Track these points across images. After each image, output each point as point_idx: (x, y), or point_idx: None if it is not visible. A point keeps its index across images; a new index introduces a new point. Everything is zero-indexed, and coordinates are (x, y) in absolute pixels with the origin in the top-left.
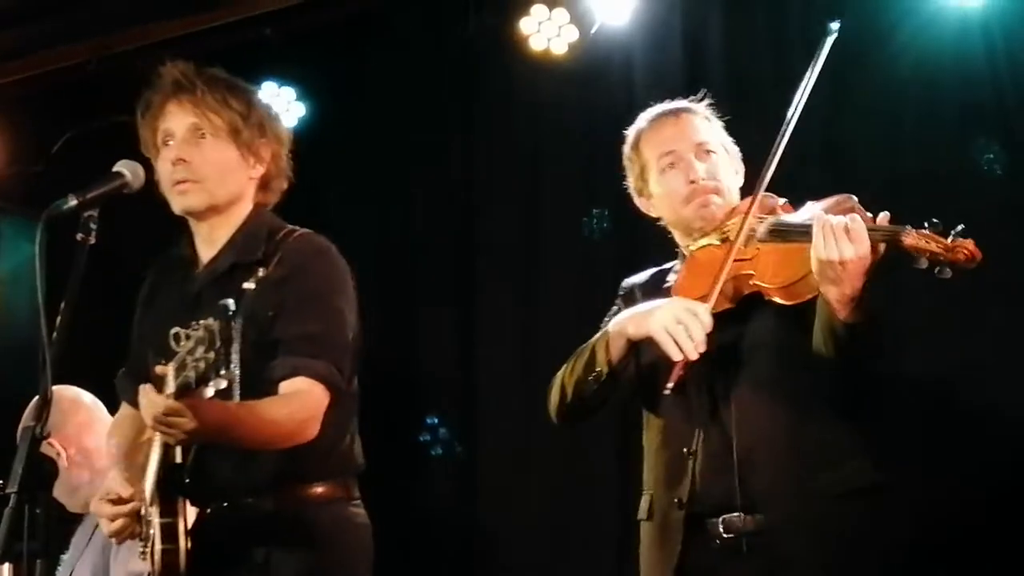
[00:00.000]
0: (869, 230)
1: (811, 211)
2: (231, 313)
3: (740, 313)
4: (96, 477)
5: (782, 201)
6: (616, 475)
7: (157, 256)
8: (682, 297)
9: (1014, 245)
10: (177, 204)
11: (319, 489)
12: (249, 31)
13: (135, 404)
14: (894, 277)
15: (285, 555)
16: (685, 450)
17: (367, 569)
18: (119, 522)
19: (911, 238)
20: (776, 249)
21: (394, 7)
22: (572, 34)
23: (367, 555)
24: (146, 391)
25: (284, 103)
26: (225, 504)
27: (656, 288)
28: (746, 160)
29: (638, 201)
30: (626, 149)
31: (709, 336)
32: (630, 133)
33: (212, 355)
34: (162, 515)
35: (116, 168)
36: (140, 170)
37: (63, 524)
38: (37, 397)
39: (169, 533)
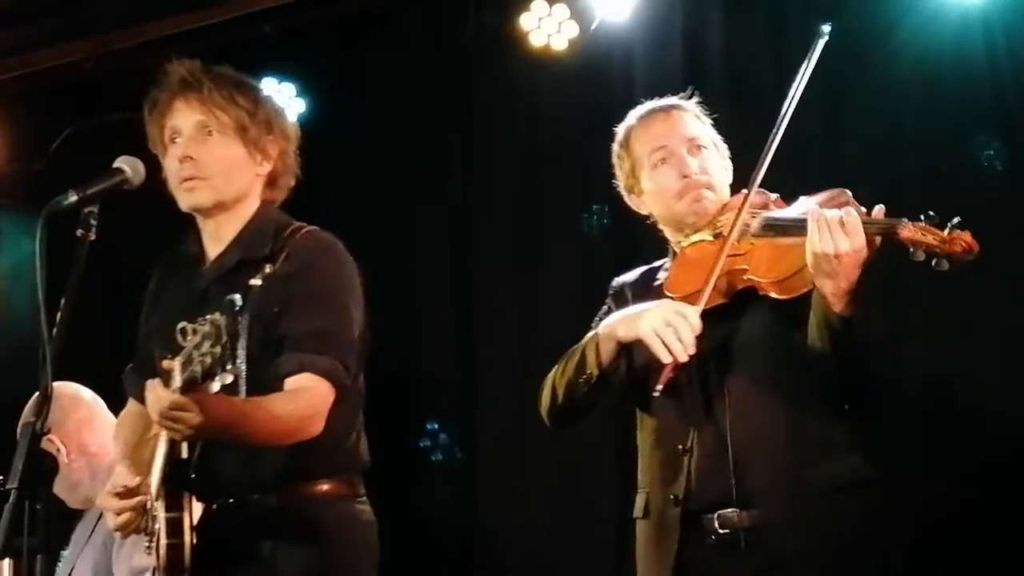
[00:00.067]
0: (865, 223)
1: (805, 206)
2: (237, 308)
3: (734, 308)
4: (96, 473)
5: (774, 196)
6: (616, 476)
7: (160, 253)
8: (675, 293)
9: (1015, 242)
10: (184, 201)
11: (324, 486)
12: (248, 28)
13: (142, 400)
14: (894, 277)
15: (290, 552)
16: (680, 447)
17: (372, 566)
18: (125, 516)
19: (907, 231)
20: (770, 244)
21: (394, 4)
22: (572, 30)
23: (372, 552)
24: (153, 385)
25: (283, 100)
26: (231, 500)
27: (646, 286)
28: (745, 158)
29: (628, 199)
30: (615, 147)
31: (702, 332)
32: (619, 131)
33: (218, 350)
34: (168, 510)
35: (116, 164)
36: (140, 166)
37: (63, 520)
38: (37, 393)
39: (175, 528)
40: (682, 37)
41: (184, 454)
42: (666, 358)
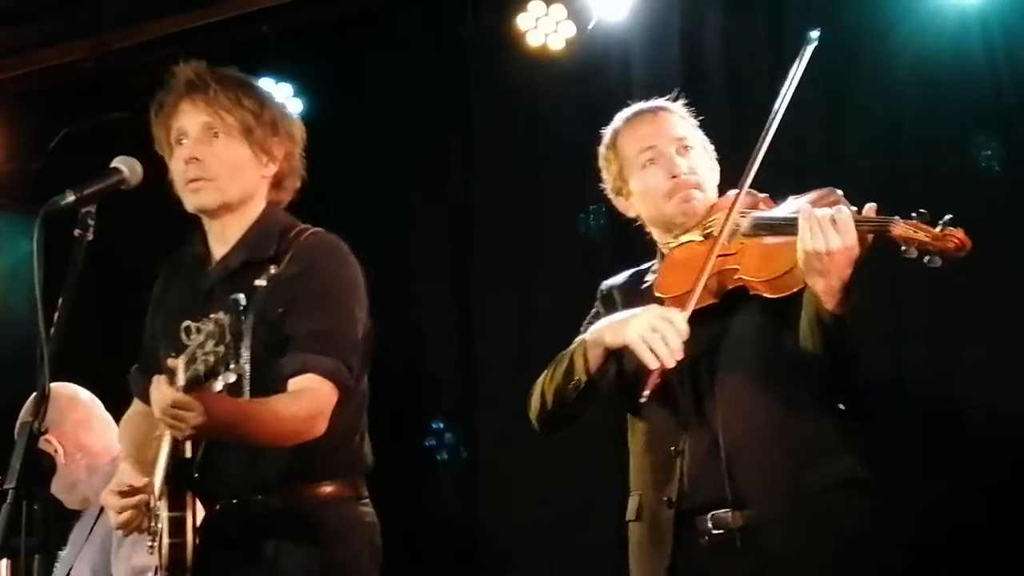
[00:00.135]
0: (856, 221)
1: (795, 205)
2: (241, 308)
3: (724, 308)
4: (94, 473)
5: (763, 196)
6: (618, 475)
7: (158, 253)
8: (665, 294)
9: (1014, 242)
10: (190, 202)
11: (328, 488)
12: (247, 28)
13: (147, 400)
14: (893, 277)
15: (292, 553)
16: (672, 449)
17: (375, 568)
18: (126, 514)
19: (899, 228)
20: (761, 243)
21: (392, 6)
22: (569, 30)
23: (375, 554)
24: (157, 382)
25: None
26: (234, 501)
27: (634, 288)
28: (743, 158)
29: (616, 201)
30: (602, 149)
31: (693, 332)
32: (606, 133)
33: (222, 349)
34: (171, 509)
35: (114, 164)
36: (138, 166)
37: (61, 520)
38: (35, 393)
39: (177, 527)
40: (679, 37)
41: (188, 454)
42: (653, 364)
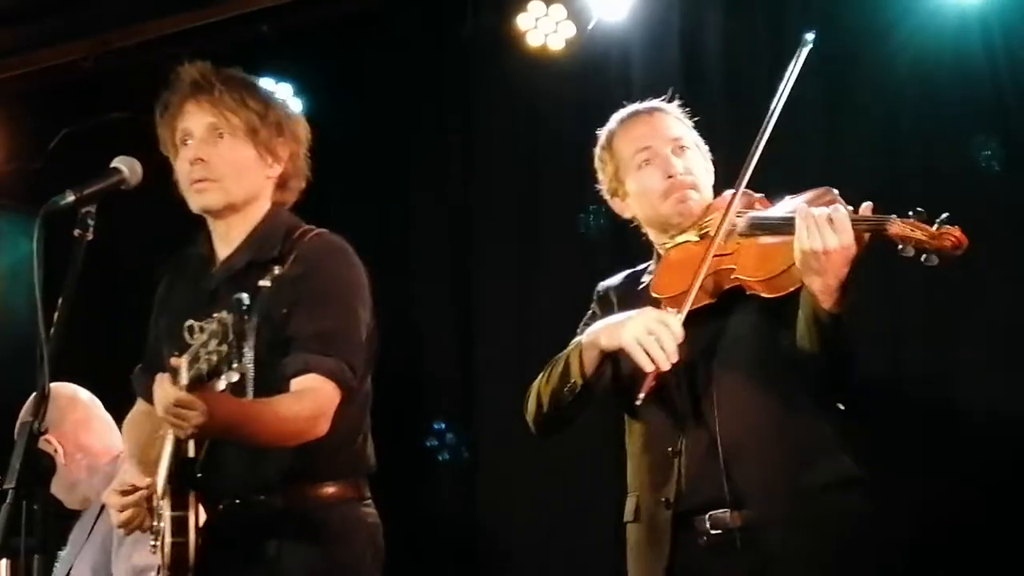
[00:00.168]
0: (853, 220)
1: (791, 205)
2: (244, 307)
3: (721, 308)
4: (93, 473)
5: (759, 196)
6: (618, 475)
7: (158, 253)
8: (661, 294)
9: (1014, 241)
10: (195, 203)
11: (330, 489)
12: (247, 27)
13: (150, 399)
14: (893, 277)
15: (295, 553)
16: (670, 450)
17: (377, 569)
18: (127, 512)
19: (896, 227)
20: (757, 243)
21: (392, 6)
22: (569, 30)
23: (377, 555)
24: (160, 380)
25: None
26: (237, 501)
27: (630, 290)
28: (742, 158)
29: (612, 202)
30: (598, 150)
31: (690, 333)
32: (601, 134)
33: (224, 348)
34: (173, 508)
35: (113, 164)
36: (138, 166)
37: (60, 520)
38: (35, 393)
39: (180, 527)
40: (679, 37)
41: (191, 453)
42: (648, 367)
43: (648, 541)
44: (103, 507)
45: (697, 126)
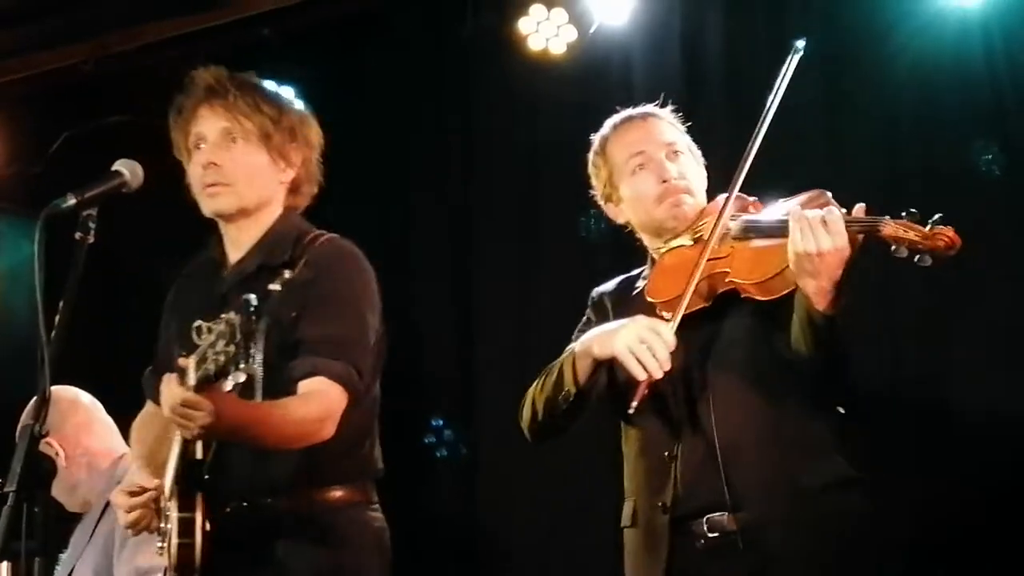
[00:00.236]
0: (847, 222)
1: (784, 208)
2: (252, 308)
3: (715, 312)
4: (95, 476)
5: (752, 199)
6: (618, 477)
7: (162, 256)
8: (656, 298)
9: (1014, 244)
10: (207, 206)
11: (337, 492)
12: (248, 30)
13: (159, 401)
14: (892, 278)
15: (302, 556)
16: (666, 454)
17: (384, 573)
18: (135, 513)
19: (889, 228)
20: (751, 246)
21: (392, 7)
22: (570, 34)
23: (384, 559)
24: (168, 380)
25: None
26: (244, 504)
27: (625, 295)
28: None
29: (606, 207)
30: (591, 156)
31: (685, 336)
32: (595, 140)
33: (232, 349)
34: (180, 510)
35: (115, 167)
36: (139, 169)
37: (61, 523)
38: (36, 396)
39: (186, 528)
40: (680, 41)
41: (199, 455)
42: (641, 375)
43: (646, 546)
44: (104, 510)
45: (698, 128)
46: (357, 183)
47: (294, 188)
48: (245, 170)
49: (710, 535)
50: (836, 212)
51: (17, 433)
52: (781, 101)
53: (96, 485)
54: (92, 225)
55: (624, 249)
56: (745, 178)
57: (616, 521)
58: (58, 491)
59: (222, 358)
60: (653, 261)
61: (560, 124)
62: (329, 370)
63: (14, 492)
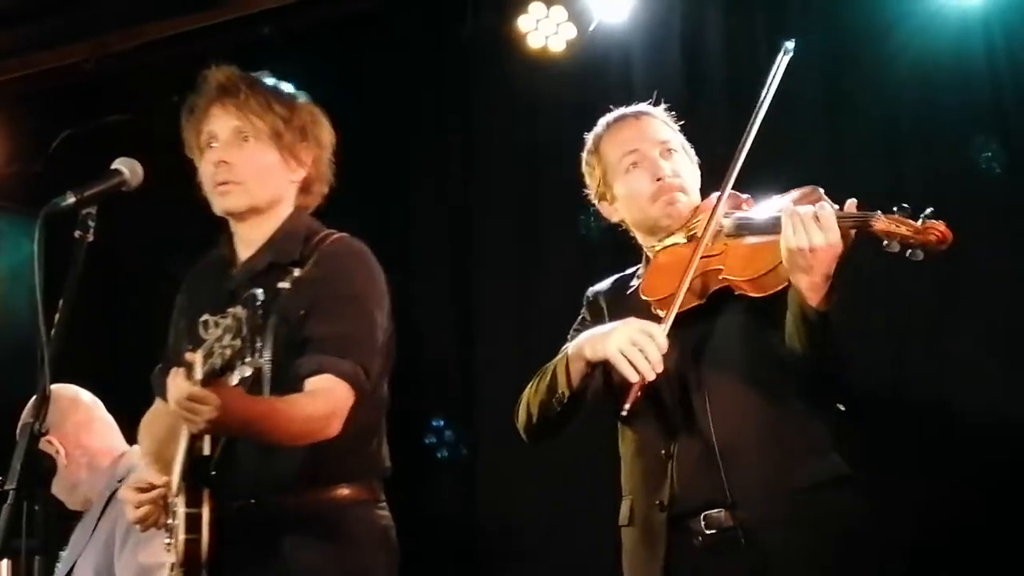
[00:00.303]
0: (839, 218)
1: (777, 204)
2: (259, 303)
3: (710, 309)
4: (95, 475)
5: (746, 196)
6: (618, 476)
7: (161, 255)
8: (650, 296)
9: (1013, 243)
10: (218, 205)
11: (345, 491)
12: (248, 29)
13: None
14: (893, 278)
15: (308, 554)
16: (663, 452)
17: (391, 572)
18: (143, 509)
19: (881, 223)
20: (744, 243)
21: (392, 7)
22: (570, 32)
23: (391, 557)
24: (175, 374)
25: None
26: (252, 501)
27: (620, 294)
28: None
29: (600, 206)
30: (585, 155)
31: (679, 334)
32: (588, 139)
33: (238, 343)
34: (187, 505)
35: (114, 166)
36: (138, 168)
37: (62, 521)
38: (36, 395)
39: (193, 524)
40: (680, 39)
41: (206, 451)
42: (633, 377)
43: (644, 544)
44: (105, 508)
45: (698, 127)
46: (357, 183)
47: (305, 187)
48: (256, 169)
49: (708, 532)
50: (828, 208)
51: (17, 431)
52: (776, 101)
53: (96, 483)
54: (92, 224)
55: (624, 248)
56: (746, 178)
57: (616, 521)
58: (58, 489)
59: (228, 352)
60: (648, 259)
61: (560, 123)
62: (336, 368)
63: (14, 490)
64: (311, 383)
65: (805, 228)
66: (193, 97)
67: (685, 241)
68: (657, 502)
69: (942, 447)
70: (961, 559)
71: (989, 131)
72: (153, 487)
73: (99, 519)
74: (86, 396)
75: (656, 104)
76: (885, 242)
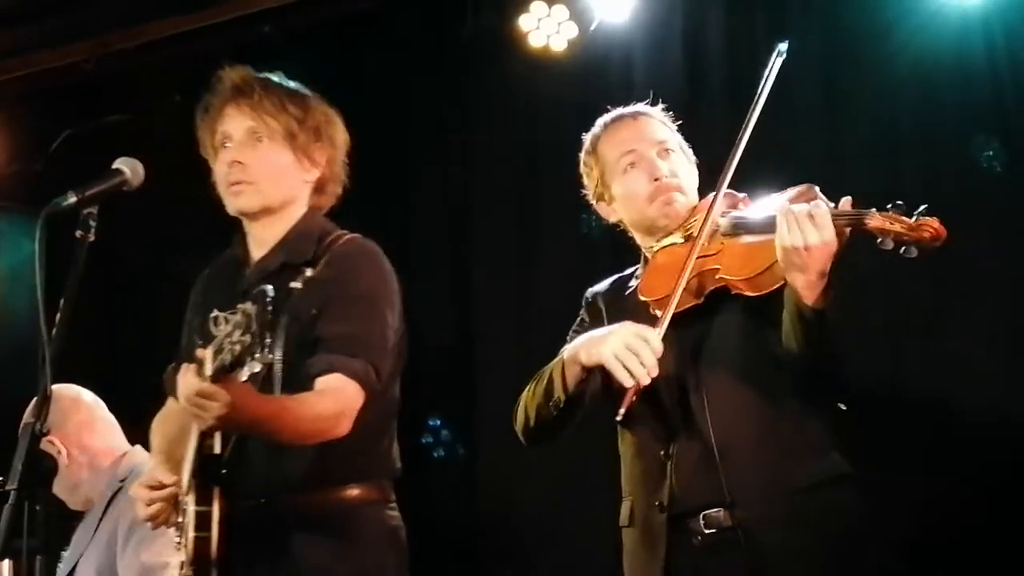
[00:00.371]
0: (833, 216)
1: (773, 203)
2: (268, 299)
3: (707, 309)
4: (97, 475)
5: (742, 196)
6: (617, 475)
7: (162, 254)
8: (648, 297)
9: (1014, 242)
10: (232, 204)
11: (354, 491)
12: (248, 29)
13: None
14: (893, 278)
15: (318, 554)
16: (662, 453)
17: (400, 572)
18: (154, 507)
19: (875, 220)
20: (740, 242)
21: (392, 6)
22: (571, 31)
23: (400, 557)
24: (185, 370)
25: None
26: (262, 500)
27: (618, 295)
28: (743, 160)
29: (598, 206)
30: (583, 155)
31: (677, 334)
32: (586, 139)
33: (248, 338)
34: (197, 503)
35: (115, 165)
36: (139, 167)
37: (63, 521)
38: (38, 395)
39: (203, 521)
40: (681, 39)
41: (216, 449)
42: (628, 382)
43: (644, 544)
44: (107, 508)
45: (699, 126)
46: (357, 182)
47: (319, 188)
48: (269, 169)
49: (707, 532)
50: (823, 206)
51: (20, 431)
52: (776, 100)
53: (98, 483)
54: (93, 223)
55: (624, 248)
56: (746, 178)
57: (616, 521)
58: (60, 489)
59: (238, 348)
60: (646, 260)
61: (560, 123)
62: (347, 367)
63: (15, 490)
64: (321, 382)
65: (800, 227)
66: (208, 97)
67: (683, 241)
68: (657, 503)
69: (941, 445)
70: (960, 557)
71: (989, 130)
72: (163, 485)
73: (101, 519)
74: (88, 396)
75: (655, 104)
76: (879, 239)
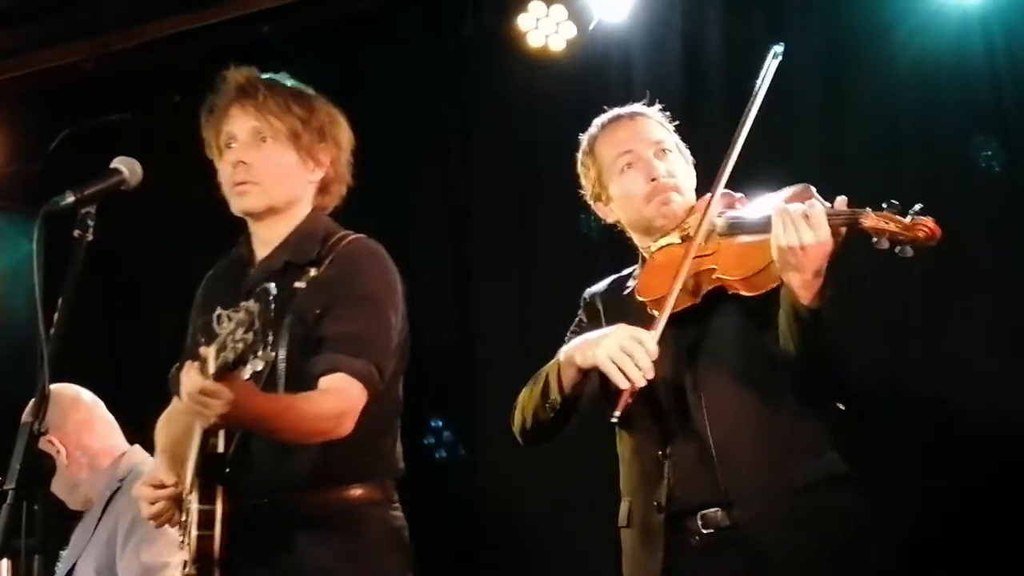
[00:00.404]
0: (829, 215)
1: (769, 203)
2: (271, 297)
3: (704, 309)
4: (96, 474)
5: (739, 196)
6: (617, 475)
7: (161, 254)
8: (645, 297)
9: (1014, 241)
10: (236, 205)
11: (358, 491)
12: (248, 28)
13: None
14: (893, 278)
15: (322, 553)
16: (660, 453)
17: (404, 572)
18: (158, 505)
19: (870, 220)
20: (737, 242)
21: (392, 6)
22: (570, 31)
23: (404, 556)
24: (188, 368)
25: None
26: (266, 499)
27: (616, 295)
28: (743, 160)
29: (595, 207)
30: (580, 156)
31: (674, 334)
32: (583, 140)
33: (250, 336)
34: (201, 501)
35: (113, 165)
36: (137, 167)
37: (62, 521)
38: (36, 394)
39: (206, 520)
40: (680, 38)
41: (220, 448)
42: (623, 384)
43: (642, 544)
44: (106, 507)
45: (698, 126)
46: (357, 182)
47: (323, 188)
48: (274, 169)
49: (705, 531)
50: (818, 206)
51: (19, 431)
52: (776, 100)
53: (97, 483)
54: (91, 223)
55: (624, 248)
56: (746, 177)
57: (615, 521)
58: (59, 489)
59: (241, 346)
60: (643, 260)
61: (560, 122)
62: (350, 367)
63: (14, 490)
64: (325, 382)
65: (795, 226)
66: (212, 97)
67: (680, 241)
68: (655, 503)
69: (940, 445)
70: (959, 557)
71: (989, 130)
72: (165, 485)
73: (100, 519)
74: (87, 395)
75: (652, 104)
76: (875, 239)
